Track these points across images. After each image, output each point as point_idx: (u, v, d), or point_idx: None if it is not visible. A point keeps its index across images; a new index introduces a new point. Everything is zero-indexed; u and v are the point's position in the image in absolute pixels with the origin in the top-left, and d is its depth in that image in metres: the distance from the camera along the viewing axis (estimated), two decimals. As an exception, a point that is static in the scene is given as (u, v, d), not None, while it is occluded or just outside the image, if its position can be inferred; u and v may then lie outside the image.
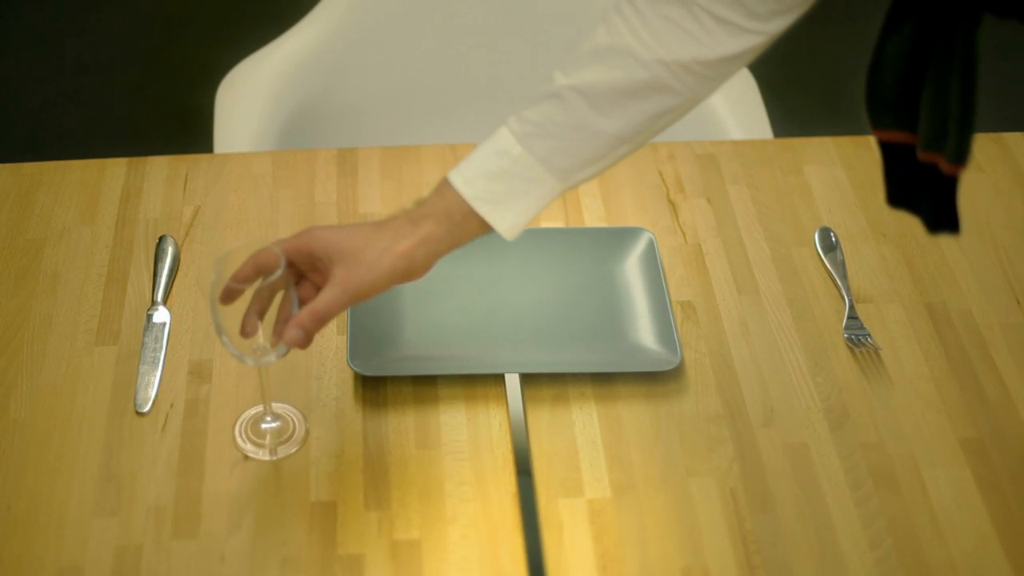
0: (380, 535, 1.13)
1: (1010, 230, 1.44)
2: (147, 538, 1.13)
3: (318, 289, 1.11)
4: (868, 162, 1.52)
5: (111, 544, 1.12)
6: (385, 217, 1.11)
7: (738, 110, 1.75)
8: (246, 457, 1.19)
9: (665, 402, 1.25)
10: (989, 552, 1.14)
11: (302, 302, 1.11)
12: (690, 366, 1.28)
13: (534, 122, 1.06)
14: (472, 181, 1.07)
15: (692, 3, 1.01)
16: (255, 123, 1.70)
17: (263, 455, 1.19)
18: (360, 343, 1.26)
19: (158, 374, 1.26)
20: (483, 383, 1.26)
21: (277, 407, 1.23)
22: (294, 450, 1.20)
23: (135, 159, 1.50)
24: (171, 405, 1.23)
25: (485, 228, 1.08)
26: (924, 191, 1.05)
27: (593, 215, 1.45)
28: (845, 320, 1.33)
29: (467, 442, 1.21)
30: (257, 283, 1.09)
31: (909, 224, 1.41)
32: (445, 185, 1.08)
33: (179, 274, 1.36)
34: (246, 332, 1.10)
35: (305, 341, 1.08)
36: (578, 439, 1.22)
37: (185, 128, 2.50)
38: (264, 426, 1.21)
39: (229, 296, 1.08)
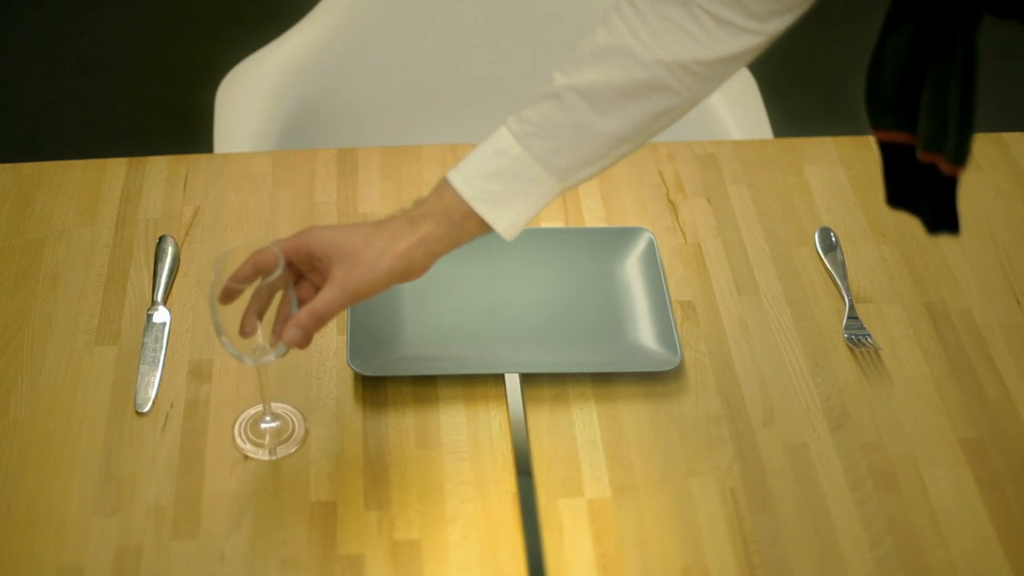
0: (380, 535, 1.13)
1: (1010, 230, 1.44)
2: (147, 538, 1.13)
3: (317, 289, 1.11)
4: (868, 162, 1.52)
5: (111, 544, 1.12)
6: (384, 217, 1.11)
7: (738, 110, 1.75)
8: (246, 457, 1.19)
9: (665, 402, 1.25)
10: (989, 552, 1.14)
11: (301, 302, 1.11)
12: (690, 366, 1.28)
13: (533, 122, 1.06)
14: (471, 181, 1.07)
15: (692, 3, 1.01)
16: (255, 123, 1.70)
17: (262, 455, 1.19)
18: (360, 343, 1.26)
19: (158, 374, 1.26)
20: (483, 383, 1.26)
21: (276, 407, 1.23)
22: (293, 450, 1.20)
23: (135, 159, 1.50)
24: (171, 405, 1.23)
25: (484, 228, 1.08)
26: (924, 191, 1.05)
27: (593, 215, 1.45)
28: (845, 320, 1.33)
29: (467, 442, 1.21)
30: (256, 283, 1.09)
31: (909, 224, 1.41)
32: (444, 185, 1.08)
33: (179, 274, 1.36)
34: (245, 332, 1.10)
35: (304, 341, 1.08)
36: (578, 439, 1.22)
37: (185, 128, 2.51)
38: (264, 426, 1.21)
39: (228, 296, 1.08)
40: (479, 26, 1.87)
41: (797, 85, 2.80)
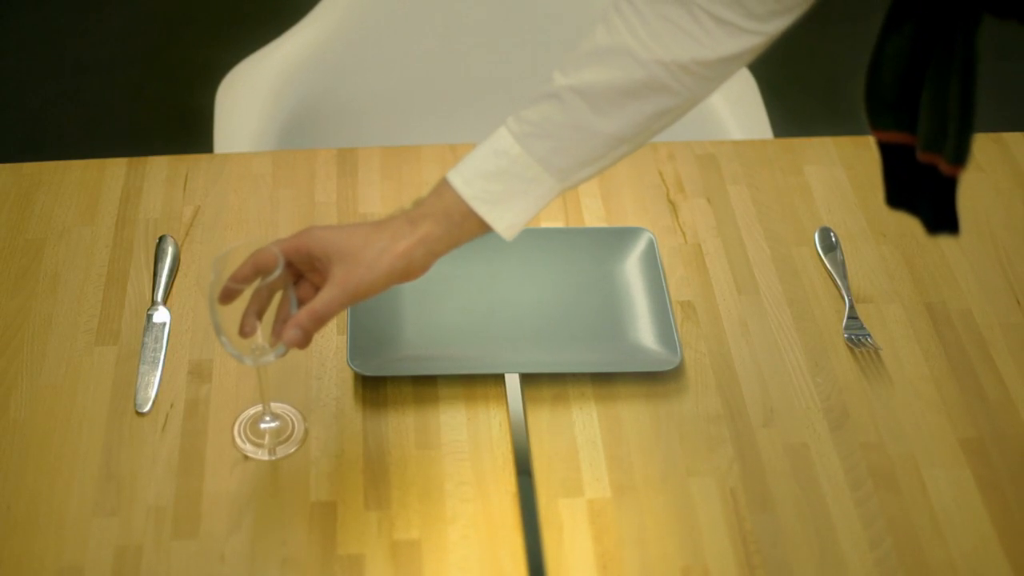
0: (380, 535, 1.13)
1: (1010, 230, 1.44)
2: (147, 538, 1.13)
3: (317, 289, 1.11)
4: (868, 162, 1.52)
5: (111, 544, 1.12)
6: (384, 217, 1.11)
7: (738, 110, 1.75)
8: (245, 457, 1.19)
9: (665, 402, 1.25)
10: (989, 552, 1.14)
11: (301, 302, 1.11)
12: (690, 366, 1.28)
13: (533, 122, 1.06)
14: (471, 181, 1.07)
15: (691, 3, 1.01)
16: (255, 123, 1.70)
17: (262, 455, 1.19)
18: (360, 343, 1.26)
19: (158, 374, 1.26)
20: (483, 383, 1.26)
21: (276, 407, 1.23)
22: (293, 450, 1.20)
23: (135, 159, 1.50)
24: (171, 405, 1.23)
25: (484, 228, 1.08)
26: (923, 192, 1.05)
27: (593, 215, 1.45)
28: (845, 320, 1.33)
29: (467, 442, 1.21)
30: (256, 283, 1.09)
31: (909, 224, 1.41)
32: (444, 185, 1.08)
33: (179, 274, 1.36)
34: (245, 332, 1.10)
35: (304, 341, 1.08)
36: (578, 439, 1.22)
37: (185, 128, 2.51)
38: (263, 426, 1.21)
39: (228, 296, 1.08)
40: (479, 26, 1.87)
41: (797, 85, 2.80)
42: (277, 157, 1.52)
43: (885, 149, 1.07)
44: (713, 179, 1.50)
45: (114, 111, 2.78)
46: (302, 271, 1.12)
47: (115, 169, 1.48)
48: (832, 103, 2.61)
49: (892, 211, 1.11)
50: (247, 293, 1.09)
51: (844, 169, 1.51)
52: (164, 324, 1.31)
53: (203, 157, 1.51)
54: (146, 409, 1.23)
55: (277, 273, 1.07)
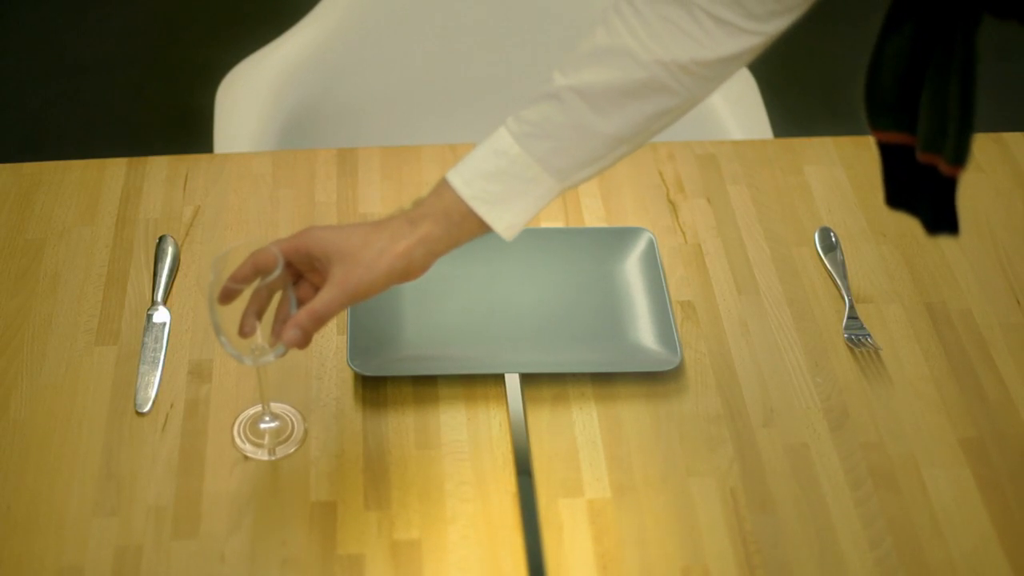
0: (380, 535, 1.13)
1: (1010, 230, 1.44)
2: (147, 538, 1.13)
3: (316, 289, 1.11)
4: (868, 162, 1.51)
5: (111, 544, 1.12)
6: (383, 217, 1.11)
7: (738, 110, 1.75)
8: (245, 457, 1.19)
9: (665, 402, 1.25)
10: (989, 552, 1.14)
11: (300, 302, 1.11)
12: (690, 366, 1.28)
13: (532, 122, 1.06)
14: (470, 181, 1.07)
15: (691, 4, 1.01)
16: (255, 123, 1.70)
17: (262, 455, 1.19)
18: (360, 343, 1.26)
19: (158, 374, 1.26)
20: (483, 383, 1.26)
21: (276, 407, 1.23)
22: (293, 450, 1.20)
23: (135, 159, 1.50)
24: (171, 405, 1.23)
25: (483, 228, 1.08)
26: (923, 192, 1.05)
27: (593, 215, 1.45)
28: (845, 320, 1.33)
29: (467, 442, 1.21)
30: (255, 283, 1.09)
31: (909, 224, 1.41)
32: (443, 185, 1.08)
33: (179, 274, 1.36)
34: (244, 332, 1.10)
35: (304, 341, 1.08)
36: (578, 439, 1.22)
37: (185, 128, 2.51)
38: (263, 426, 1.21)
39: (227, 296, 1.08)
40: (479, 26, 1.87)
41: (797, 85, 2.80)
42: (277, 157, 1.52)
43: (885, 149, 1.07)
44: (713, 179, 1.50)
45: (114, 111, 2.78)
46: (302, 271, 1.12)
47: (115, 169, 1.48)
48: (832, 103, 2.60)
49: (892, 211, 1.11)
50: (247, 293, 1.09)
51: (844, 169, 1.51)
52: (164, 324, 1.31)
53: (203, 157, 1.51)
54: (146, 409, 1.23)
55: (276, 273, 1.07)
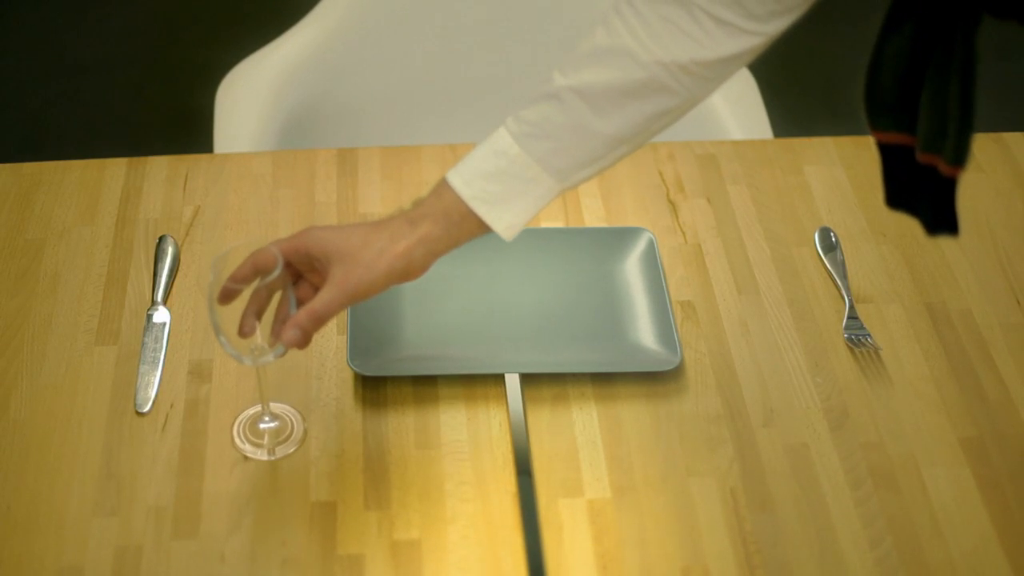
0: (380, 535, 1.14)
1: (1010, 230, 1.44)
2: (147, 538, 1.13)
3: (316, 289, 1.11)
4: (868, 162, 1.51)
5: (111, 544, 1.12)
6: (383, 217, 1.11)
7: (738, 110, 1.75)
8: (245, 457, 1.19)
9: (665, 402, 1.25)
10: (989, 552, 1.14)
11: (300, 302, 1.11)
12: (690, 366, 1.28)
13: (532, 122, 1.06)
14: (470, 181, 1.07)
15: (691, 4, 1.01)
16: (255, 123, 1.70)
17: (261, 455, 1.19)
18: (360, 343, 1.27)
19: (158, 374, 1.26)
20: (483, 383, 1.26)
21: (275, 407, 1.23)
22: (292, 450, 1.20)
23: (135, 159, 1.50)
24: (171, 405, 1.23)
25: (483, 228, 1.08)
26: (923, 193, 1.05)
27: (593, 215, 1.45)
28: (845, 320, 1.33)
29: (467, 442, 1.21)
30: (255, 283, 1.09)
31: (909, 224, 1.41)
32: (443, 185, 1.08)
33: (179, 274, 1.36)
34: (244, 332, 1.10)
35: (303, 341, 1.08)
36: (578, 439, 1.22)
37: (185, 128, 2.51)
38: (262, 426, 1.21)
39: (227, 296, 1.08)
40: (479, 26, 1.87)
41: (797, 85, 2.80)
42: (277, 157, 1.52)
43: (885, 150, 1.07)
44: (713, 179, 1.50)
45: (114, 111, 2.78)
46: (301, 271, 1.12)
47: (115, 169, 1.48)
48: (832, 103, 2.60)
49: (892, 211, 1.11)
50: (246, 293, 1.09)
51: (844, 169, 1.51)
52: (164, 324, 1.31)
53: (203, 157, 1.51)
54: (146, 409, 1.23)
55: (276, 273, 1.07)
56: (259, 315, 1.10)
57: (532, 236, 1.37)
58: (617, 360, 1.28)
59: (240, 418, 1.22)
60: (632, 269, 1.37)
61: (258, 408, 1.22)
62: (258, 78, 1.75)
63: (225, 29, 2.89)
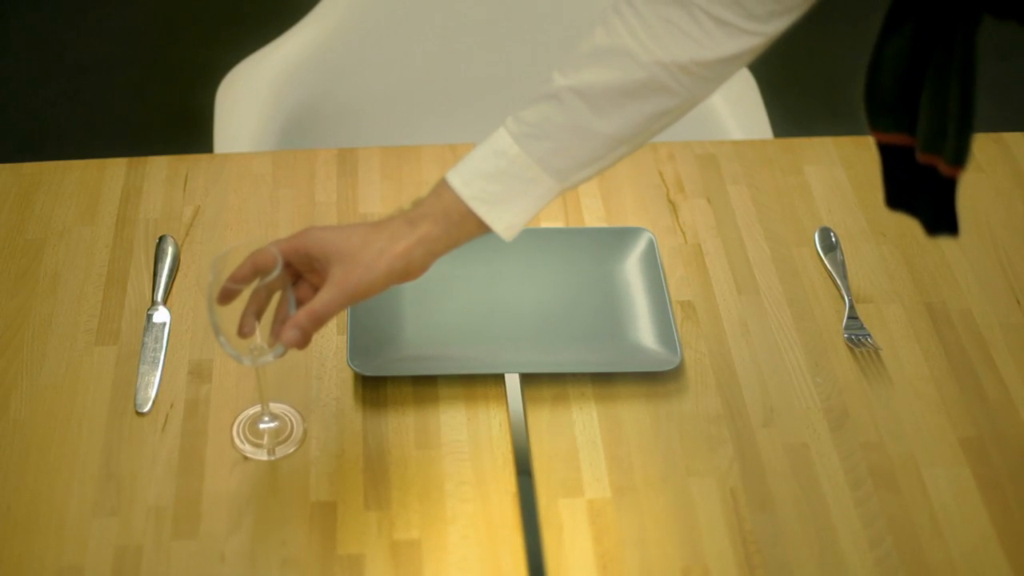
0: (380, 535, 1.14)
1: (1010, 230, 1.44)
2: (147, 538, 1.13)
3: (315, 290, 1.11)
4: (868, 162, 1.51)
5: (111, 544, 1.12)
6: (383, 218, 1.11)
7: (738, 110, 1.75)
8: (245, 457, 1.19)
9: (665, 402, 1.25)
10: (989, 551, 1.14)
11: (300, 302, 1.11)
12: (690, 366, 1.28)
13: (531, 123, 1.06)
14: (470, 181, 1.07)
15: (691, 4, 1.01)
16: (255, 123, 1.70)
17: (261, 455, 1.19)
18: (360, 343, 1.27)
19: (158, 374, 1.26)
20: (483, 383, 1.26)
21: (275, 407, 1.23)
22: (292, 450, 1.20)
23: (135, 159, 1.50)
24: (171, 405, 1.23)
25: (483, 228, 1.08)
26: (923, 193, 1.05)
27: (593, 215, 1.45)
28: (845, 320, 1.33)
29: (467, 442, 1.21)
30: (255, 283, 1.09)
31: (909, 224, 1.41)
32: (443, 185, 1.08)
33: (179, 274, 1.36)
34: (243, 332, 1.10)
35: (303, 342, 1.08)
36: (578, 439, 1.22)
37: (185, 128, 2.50)
38: (262, 426, 1.21)
39: (226, 296, 1.08)
40: (479, 26, 1.87)
41: (797, 85, 2.80)
42: (277, 157, 1.52)
43: (885, 150, 1.07)
44: (713, 179, 1.50)
45: (114, 111, 2.78)
46: (301, 272, 1.12)
47: (115, 169, 1.48)
48: (832, 103, 2.60)
49: (892, 212, 1.10)
50: (246, 293, 1.09)
51: (844, 169, 1.51)
52: (164, 324, 1.31)
53: (203, 157, 1.51)
54: (146, 409, 1.23)
55: (276, 273, 1.07)
56: (259, 315, 1.10)
57: (532, 236, 1.37)
58: (617, 360, 1.28)
59: (240, 418, 1.22)
60: (632, 269, 1.37)
61: (258, 408, 1.22)
62: (258, 78, 1.75)
63: (225, 29, 2.89)
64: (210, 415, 1.23)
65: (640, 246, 1.38)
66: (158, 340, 1.29)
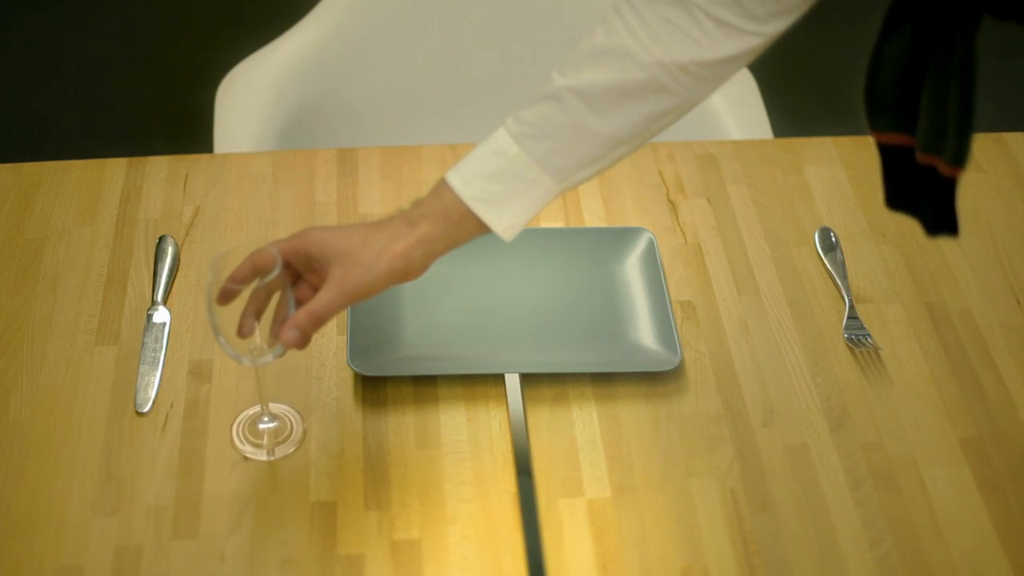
0: (380, 535, 1.14)
1: (1010, 230, 1.44)
2: (147, 538, 1.13)
3: (315, 290, 1.11)
4: (868, 162, 1.51)
5: (111, 544, 1.12)
6: (382, 218, 1.11)
7: (738, 110, 1.75)
8: (245, 458, 1.19)
9: (665, 402, 1.25)
10: (989, 551, 1.14)
11: (299, 303, 1.11)
12: (690, 366, 1.28)
13: (531, 123, 1.06)
14: (470, 182, 1.07)
15: (691, 5, 1.01)
16: (255, 123, 1.70)
17: (261, 455, 1.19)
18: (360, 343, 1.27)
19: (158, 374, 1.26)
20: (483, 383, 1.26)
21: (275, 407, 1.23)
22: (292, 450, 1.20)
23: (135, 159, 1.50)
24: (171, 405, 1.23)
25: (482, 228, 1.08)
26: (923, 193, 1.05)
27: (593, 215, 1.45)
28: (845, 320, 1.33)
29: (467, 442, 1.21)
30: (254, 284, 1.09)
31: (909, 224, 1.41)
32: (442, 185, 1.08)
33: (179, 274, 1.36)
34: (243, 333, 1.10)
35: (302, 342, 1.08)
36: (578, 439, 1.22)
37: (185, 128, 2.50)
38: (261, 427, 1.21)
39: (226, 296, 1.08)
40: (479, 26, 1.87)
41: (797, 85, 2.80)
42: (277, 157, 1.52)
43: (884, 151, 1.07)
44: (713, 179, 1.50)
45: (114, 111, 2.78)
46: (300, 272, 1.12)
47: (115, 169, 1.48)
48: (832, 103, 2.60)
49: (892, 212, 1.11)
50: (245, 294, 1.09)
51: (844, 169, 1.51)
52: (164, 324, 1.31)
53: (203, 157, 1.51)
54: (146, 409, 1.23)
55: (275, 273, 1.07)
56: (258, 315, 1.10)
57: (532, 236, 1.37)
58: (617, 360, 1.28)
59: (239, 419, 1.22)
60: (632, 269, 1.37)
61: (257, 408, 1.22)
62: (258, 78, 1.75)
63: (225, 29, 2.89)
64: (210, 415, 1.23)
65: (640, 246, 1.38)
66: (158, 340, 1.29)
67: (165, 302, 1.33)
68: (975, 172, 1.51)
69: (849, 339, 1.31)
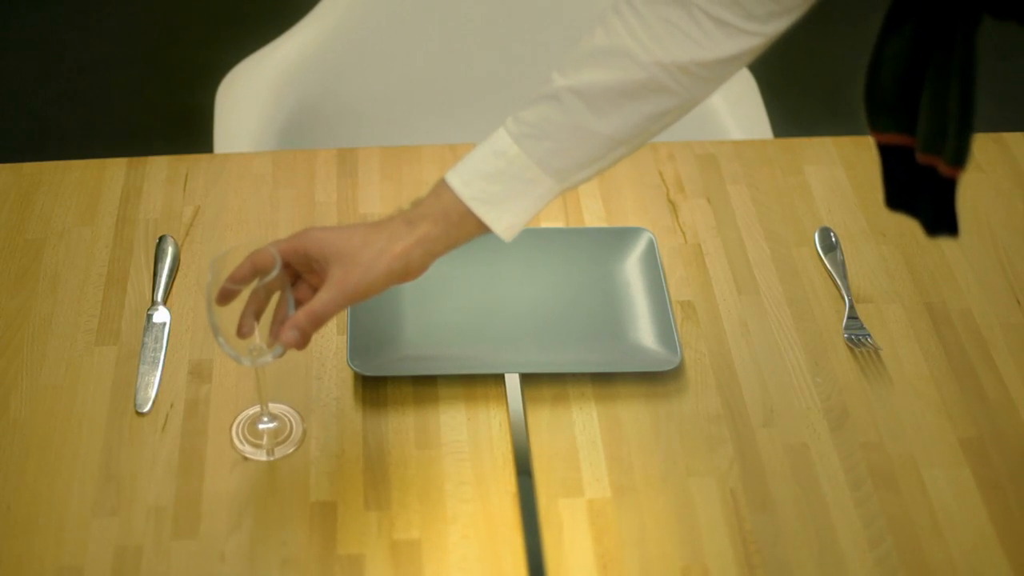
0: (380, 535, 1.14)
1: (1010, 230, 1.44)
2: (147, 538, 1.13)
3: (314, 290, 1.11)
4: (868, 162, 1.51)
5: (111, 544, 1.12)
6: (382, 218, 1.11)
7: (738, 110, 1.75)
8: (245, 458, 1.19)
9: (665, 402, 1.25)
10: (989, 551, 1.14)
11: (298, 303, 1.11)
12: (690, 366, 1.28)
13: (531, 123, 1.06)
14: (469, 182, 1.07)
15: (690, 5, 1.01)
16: (255, 123, 1.70)
17: (260, 456, 1.19)
18: (360, 343, 1.27)
19: (158, 374, 1.26)
20: (483, 383, 1.26)
21: (274, 408, 1.23)
22: (291, 450, 1.20)
23: (135, 159, 1.50)
24: (171, 405, 1.23)
25: (482, 229, 1.08)
26: (923, 193, 1.05)
27: (593, 215, 1.45)
28: (845, 320, 1.33)
29: (467, 442, 1.21)
30: (254, 284, 1.09)
31: (909, 224, 1.40)
32: (442, 186, 1.08)
33: (179, 274, 1.36)
34: (242, 333, 1.10)
35: (302, 342, 1.08)
36: (578, 439, 1.22)
37: (185, 128, 2.50)
38: (261, 427, 1.21)
39: (225, 297, 1.08)
40: (479, 26, 1.87)
41: (797, 85, 2.80)
42: (277, 157, 1.52)
43: (884, 151, 1.07)
44: (713, 179, 1.50)
45: (114, 111, 2.78)
46: (300, 272, 1.12)
47: (115, 169, 1.48)
48: (832, 103, 2.60)
49: (892, 212, 1.11)
50: (245, 294, 1.09)
51: (844, 169, 1.51)
52: (164, 324, 1.31)
53: (203, 157, 1.51)
54: (146, 409, 1.23)
55: (274, 273, 1.07)
56: (258, 316, 1.10)
57: (532, 236, 1.37)
58: (617, 360, 1.28)
59: (239, 419, 1.22)
60: (632, 269, 1.37)
61: (257, 409, 1.22)
62: (258, 78, 1.75)
63: (225, 29, 2.89)
64: (210, 415, 1.23)
65: (640, 246, 1.38)
66: (158, 340, 1.29)
67: (165, 302, 1.33)
68: (975, 172, 1.51)
69: (849, 339, 1.31)
